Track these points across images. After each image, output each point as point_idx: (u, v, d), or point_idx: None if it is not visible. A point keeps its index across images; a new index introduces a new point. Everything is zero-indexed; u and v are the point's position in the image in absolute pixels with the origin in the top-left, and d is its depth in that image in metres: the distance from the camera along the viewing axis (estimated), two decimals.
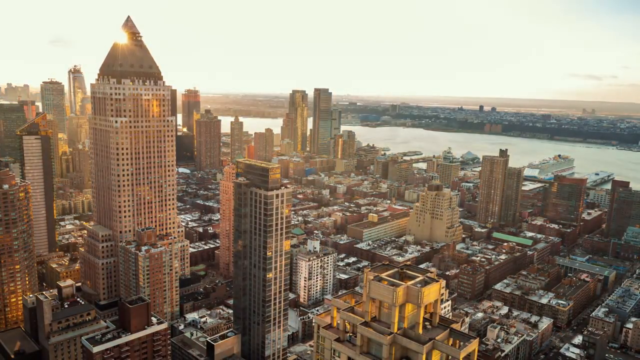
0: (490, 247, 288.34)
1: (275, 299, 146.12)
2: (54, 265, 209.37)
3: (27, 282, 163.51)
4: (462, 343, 72.48)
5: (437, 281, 75.42)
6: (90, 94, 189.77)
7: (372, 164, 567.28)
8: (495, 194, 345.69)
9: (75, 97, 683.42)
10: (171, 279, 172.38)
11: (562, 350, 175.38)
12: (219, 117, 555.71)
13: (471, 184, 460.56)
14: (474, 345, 72.06)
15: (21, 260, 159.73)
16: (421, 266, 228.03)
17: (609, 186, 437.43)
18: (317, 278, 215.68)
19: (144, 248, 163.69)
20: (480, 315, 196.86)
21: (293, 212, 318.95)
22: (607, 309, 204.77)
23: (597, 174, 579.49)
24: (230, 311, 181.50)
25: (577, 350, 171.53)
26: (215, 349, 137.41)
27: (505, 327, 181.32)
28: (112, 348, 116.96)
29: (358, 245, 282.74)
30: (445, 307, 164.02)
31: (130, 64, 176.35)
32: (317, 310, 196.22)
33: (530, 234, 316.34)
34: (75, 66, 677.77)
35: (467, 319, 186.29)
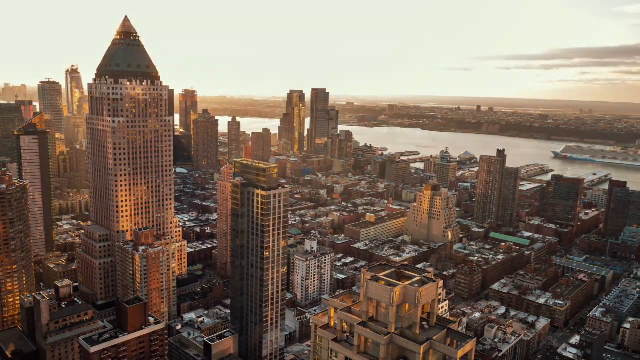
0: (488, 247, 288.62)
1: (272, 299, 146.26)
2: (52, 265, 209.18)
3: (25, 282, 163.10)
4: (459, 343, 72.69)
5: (435, 281, 75.65)
6: (87, 93, 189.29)
7: (369, 164, 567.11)
8: (492, 194, 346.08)
9: (73, 97, 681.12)
10: (168, 279, 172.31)
11: (559, 350, 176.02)
12: (217, 117, 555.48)
13: (469, 184, 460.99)
14: (471, 345, 72.27)
15: (18, 260, 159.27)
16: (418, 266, 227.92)
17: (606, 186, 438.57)
18: (314, 278, 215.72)
19: (141, 248, 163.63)
20: (477, 315, 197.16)
21: (290, 212, 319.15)
22: (604, 309, 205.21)
23: (594, 174, 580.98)
24: (228, 311, 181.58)
25: (574, 350, 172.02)
26: (212, 349, 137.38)
27: (502, 327, 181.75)
28: (110, 348, 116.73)
29: (355, 245, 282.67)
30: (442, 307, 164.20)
31: (128, 64, 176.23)
32: (315, 310, 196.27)
33: (527, 233, 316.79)
34: (72, 66, 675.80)
35: (465, 319, 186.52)
